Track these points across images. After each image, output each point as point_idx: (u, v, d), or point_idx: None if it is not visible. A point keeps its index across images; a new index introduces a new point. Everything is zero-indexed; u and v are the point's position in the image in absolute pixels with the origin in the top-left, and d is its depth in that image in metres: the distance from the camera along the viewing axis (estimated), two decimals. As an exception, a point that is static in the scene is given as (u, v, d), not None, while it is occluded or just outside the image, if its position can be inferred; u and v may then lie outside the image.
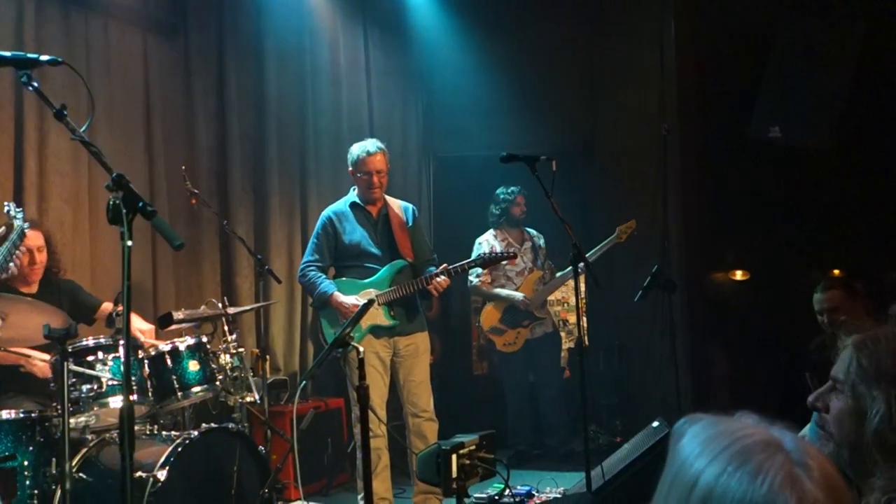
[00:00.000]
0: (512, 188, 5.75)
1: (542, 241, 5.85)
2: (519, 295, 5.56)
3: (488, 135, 6.47)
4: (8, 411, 3.20)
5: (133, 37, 4.98)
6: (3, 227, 2.76)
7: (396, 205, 4.35)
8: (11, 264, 2.80)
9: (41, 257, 3.85)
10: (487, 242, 5.71)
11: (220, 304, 3.97)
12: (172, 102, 5.21)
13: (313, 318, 5.85)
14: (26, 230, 2.91)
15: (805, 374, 3.34)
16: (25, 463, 3.16)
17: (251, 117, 5.63)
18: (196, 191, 4.22)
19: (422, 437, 4.13)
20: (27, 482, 3.15)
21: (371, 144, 4.22)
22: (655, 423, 4.05)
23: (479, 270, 5.51)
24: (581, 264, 3.71)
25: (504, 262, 5.40)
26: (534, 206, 5.70)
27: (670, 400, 5.05)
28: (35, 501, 3.15)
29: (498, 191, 5.80)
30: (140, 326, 3.82)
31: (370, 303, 2.95)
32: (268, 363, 4.59)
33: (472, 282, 5.75)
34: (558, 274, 5.70)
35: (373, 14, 6.65)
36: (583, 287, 4.02)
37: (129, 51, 4.95)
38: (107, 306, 3.97)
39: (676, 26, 5.91)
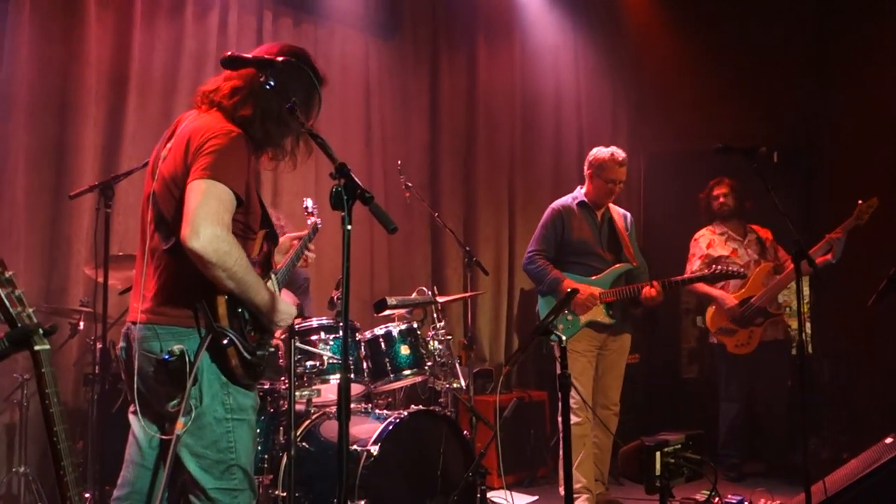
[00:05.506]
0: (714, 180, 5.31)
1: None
2: (728, 301, 5.05)
3: (702, 129, 6.15)
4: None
5: (356, 40, 5.33)
6: (312, 226, 3.03)
7: (616, 211, 4.49)
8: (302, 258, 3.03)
9: None
10: (704, 238, 5.33)
11: (429, 293, 4.12)
12: (390, 100, 5.51)
13: (518, 311, 5.93)
14: (319, 226, 3.15)
15: None
16: (258, 430, 3.48)
17: (462, 113, 5.81)
18: (410, 184, 4.41)
19: (606, 430, 4.26)
20: (258, 448, 3.47)
21: (620, 154, 4.34)
22: (889, 440, 3.69)
23: (698, 262, 5.22)
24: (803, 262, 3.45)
25: (726, 256, 5.14)
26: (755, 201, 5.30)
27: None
28: (265, 465, 3.48)
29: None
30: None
31: (572, 293, 2.95)
32: (473, 353, 4.71)
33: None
34: None
35: (583, 8, 6.60)
36: (807, 290, 3.69)
37: (352, 53, 5.30)
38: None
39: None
